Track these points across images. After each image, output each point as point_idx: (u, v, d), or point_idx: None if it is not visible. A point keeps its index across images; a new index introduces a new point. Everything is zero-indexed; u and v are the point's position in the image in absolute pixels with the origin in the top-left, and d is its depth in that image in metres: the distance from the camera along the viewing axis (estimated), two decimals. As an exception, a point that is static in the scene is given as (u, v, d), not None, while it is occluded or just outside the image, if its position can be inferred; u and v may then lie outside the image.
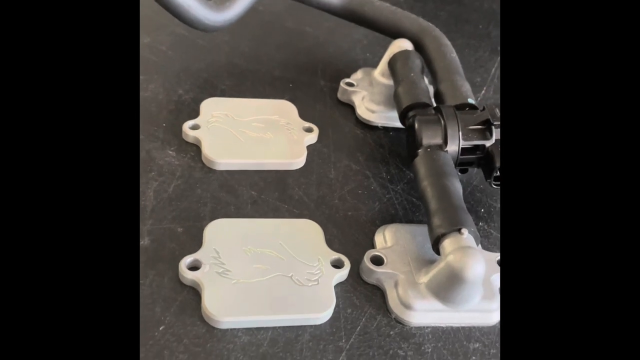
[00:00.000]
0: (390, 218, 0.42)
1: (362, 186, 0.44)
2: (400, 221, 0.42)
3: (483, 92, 0.58)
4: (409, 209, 0.43)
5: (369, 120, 0.50)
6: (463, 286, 0.34)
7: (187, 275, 0.34)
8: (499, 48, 0.65)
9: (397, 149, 0.48)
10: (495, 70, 0.61)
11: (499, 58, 0.63)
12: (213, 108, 0.47)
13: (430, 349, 0.34)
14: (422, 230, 0.39)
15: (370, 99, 0.50)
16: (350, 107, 0.51)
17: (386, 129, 0.50)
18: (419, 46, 0.51)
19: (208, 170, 0.43)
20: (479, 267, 0.33)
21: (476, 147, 0.41)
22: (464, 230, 0.35)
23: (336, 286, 0.36)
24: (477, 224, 0.43)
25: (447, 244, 0.35)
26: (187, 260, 0.35)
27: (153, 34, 0.55)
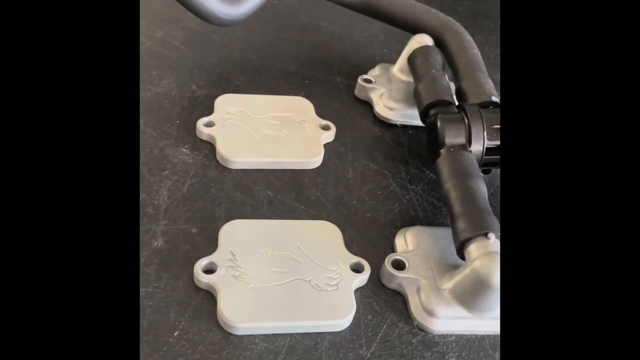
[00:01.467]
0: (410, 220, 0.40)
1: (381, 186, 0.43)
2: (421, 223, 0.40)
3: (504, 89, 0.56)
4: (430, 211, 0.41)
5: (387, 118, 0.48)
6: (490, 293, 0.32)
7: (203, 278, 0.33)
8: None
9: (416, 148, 0.47)
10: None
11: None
12: (228, 105, 0.45)
13: (454, 358, 0.33)
14: (444, 233, 0.38)
15: (388, 96, 0.49)
16: (368, 105, 0.50)
17: (405, 127, 0.48)
18: (439, 42, 0.49)
19: (223, 169, 0.41)
20: (507, 273, 0.32)
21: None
22: (491, 235, 0.33)
23: (356, 291, 0.35)
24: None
25: (472, 249, 0.33)
26: (203, 263, 0.34)
27: (166, 29, 0.54)
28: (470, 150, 0.39)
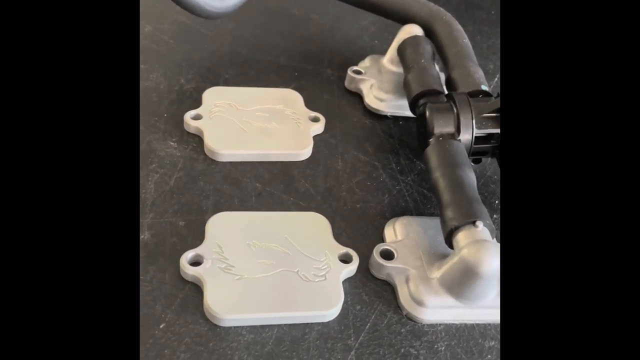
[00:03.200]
0: (400, 211, 0.40)
1: (371, 178, 0.43)
2: (411, 214, 0.40)
3: (496, 79, 0.56)
4: (420, 201, 0.41)
5: (377, 109, 0.48)
6: (478, 281, 0.32)
7: (189, 270, 0.33)
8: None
9: (407, 138, 0.46)
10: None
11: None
12: (216, 97, 0.45)
13: (443, 347, 0.32)
14: (434, 223, 0.37)
15: (378, 87, 0.49)
16: (358, 96, 0.50)
17: (395, 118, 0.48)
18: (429, 32, 0.49)
19: (211, 162, 0.41)
20: (495, 261, 0.31)
21: (490, 135, 0.39)
22: (479, 223, 0.33)
23: (344, 282, 0.35)
24: (491, 216, 0.41)
25: (460, 237, 0.33)
26: (189, 255, 0.33)
27: (154, 22, 0.54)
28: (459, 139, 0.39)
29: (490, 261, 0.31)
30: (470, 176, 0.36)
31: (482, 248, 0.31)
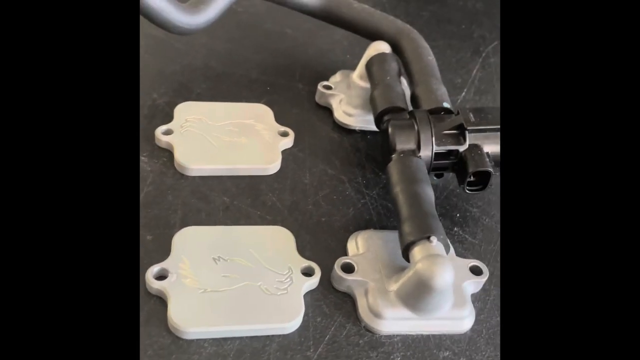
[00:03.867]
0: (364, 224, 0.42)
1: (337, 191, 0.44)
2: (375, 227, 0.41)
3: (463, 93, 0.58)
4: (384, 214, 0.43)
5: (346, 124, 0.49)
6: (432, 294, 0.34)
7: (154, 284, 0.34)
8: (480, 49, 0.65)
9: (373, 152, 0.48)
10: (476, 71, 0.61)
11: (480, 59, 0.63)
12: (187, 112, 0.46)
13: (399, 358, 0.34)
14: (394, 236, 0.39)
15: (347, 102, 0.50)
16: (328, 110, 0.51)
17: (363, 133, 0.50)
18: (396, 48, 0.50)
19: (180, 177, 0.42)
20: (447, 275, 0.33)
21: (450, 152, 0.41)
22: (433, 238, 0.34)
23: (306, 294, 0.36)
24: (452, 229, 0.42)
25: (416, 252, 0.34)
26: (154, 269, 0.34)
27: (129, 37, 0.55)
28: (420, 156, 0.40)
29: (442, 275, 0.33)
30: (428, 192, 0.38)
31: (435, 263, 0.33)
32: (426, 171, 0.40)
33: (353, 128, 0.49)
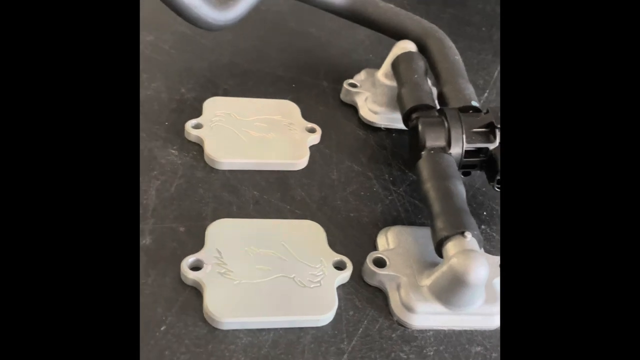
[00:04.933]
0: (392, 220, 0.42)
1: (365, 188, 0.44)
2: (403, 223, 0.42)
3: (486, 94, 0.58)
4: (412, 211, 0.43)
5: (371, 122, 0.50)
6: (466, 289, 0.34)
7: (189, 275, 0.34)
8: (501, 51, 0.65)
9: (399, 150, 0.48)
10: (497, 73, 0.61)
11: (501, 61, 0.63)
12: (216, 107, 0.46)
13: (432, 352, 0.34)
14: (424, 232, 0.39)
15: (373, 100, 0.50)
16: (353, 108, 0.51)
17: (389, 131, 0.50)
18: (422, 48, 0.51)
19: (210, 170, 0.42)
20: (482, 270, 0.33)
21: (479, 149, 0.41)
22: (467, 234, 0.34)
23: (338, 288, 0.36)
24: (479, 227, 0.43)
25: (450, 247, 0.34)
26: (189, 260, 0.35)
27: (156, 32, 0.55)
28: (450, 153, 0.40)
29: (477, 270, 0.33)
30: (460, 188, 0.38)
31: (470, 258, 0.33)
32: (457, 168, 0.40)
33: (378, 126, 0.50)
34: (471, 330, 0.35)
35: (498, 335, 0.36)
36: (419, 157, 0.41)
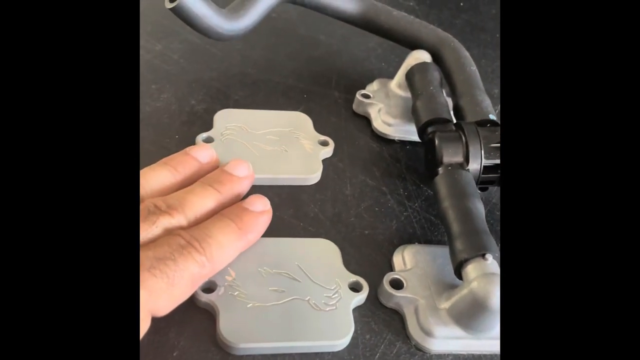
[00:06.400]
0: (408, 237, 0.41)
1: (379, 203, 0.43)
2: (419, 241, 0.41)
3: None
4: (428, 228, 0.42)
5: (385, 134, 0.49)
6: (487, 314, 0.33)
7: (202, 297, 0.33)
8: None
9: (414, 164, 0.47)
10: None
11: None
12: (227, 120, 0.46)
13: (451, 378, 0.33)
14: (442, 251, 0.38)
15: (386, 111, 0.49)
16: (366, 119, 0.50)
17: (403, 143, 0.49)
18: (437, 58, 0.49)
19: (221, 185, 0.41)
20: (504, 295, 0.32)
21: (498, 165, 0.40)
22: (488, 256, 0.33)
23: (354, 310, 0.35)
24: (497, 244, 0.41)
25: (470, 270, 0.33)
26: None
27: (165, 41, 0.54)
28: (468, 169, 0.39)
29: (498, 295, 0.32)
30: (479, 207, 0.37)
31: (492, 282, 0.32)
32: (475, 185, 0.39)
33: (392, 138, 0.49)
34: (491, 355, 0.34)
35: (519, 359, 0.35)
36: (435, 173, 0.40)
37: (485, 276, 0.32)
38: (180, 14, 0.43)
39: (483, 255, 0.33)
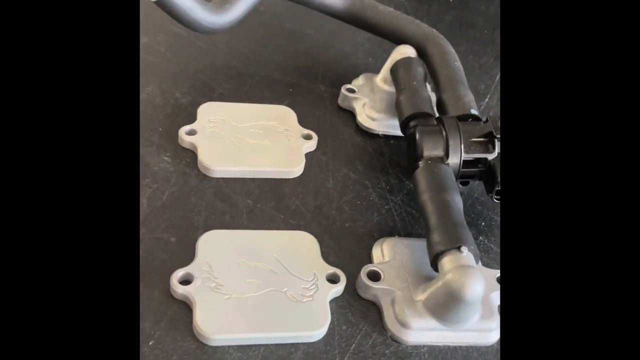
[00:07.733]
0: (388, 230, 0.41)
1: (361, 196, 0.43)
2: (399, 234, 0.41)
3: (487, 99, 0.57)
4: (408, 221, 0.42)
5: (369, 128, 0.49)
6: (461, 306, 0.33)
7: (179, 289, 0.33)
8: (503, 54, 0.64)
9: (397, 158, 0.47)
10: (499, 77, 0.60)
11: (503, 64, 0.62)
12: (210, 113, 0.46)
13: (426, 370, 0.33)
14: (420, 244, 0.38)
15: (371, 106, 0.49)
16: (351, 114, 0.50)
17: (387, 137, 0.49)
18: (422, 53, 0.50)
19: (203, 178, 0.42)
20: (478, 286, 0.32)
21: (478, 160, 0.40)
22: (464, 249, 0.34)
23: (331, 301, 0.35)
24: (477, 238, 0.42)
25: (446, 262, 0.34)
26: (179, 274, 0.34)
27: (151, 34, 0.54)
28: (448, 163, 0.40)
29: (473, 287, 0.32)
30: (457, 201, 0.37)
31: (466, 274, 0.32)
32: (454, 179, 0.39)
33: (376, 132, 0.49)
34: (466, 347, 0.35)
35: (494, 351, 0.35)
36: (416, 166, 0.40)
37: (460, 268, 0.33)
38: (164, 6, 0.43)
39: (459, 248, 0.34)
